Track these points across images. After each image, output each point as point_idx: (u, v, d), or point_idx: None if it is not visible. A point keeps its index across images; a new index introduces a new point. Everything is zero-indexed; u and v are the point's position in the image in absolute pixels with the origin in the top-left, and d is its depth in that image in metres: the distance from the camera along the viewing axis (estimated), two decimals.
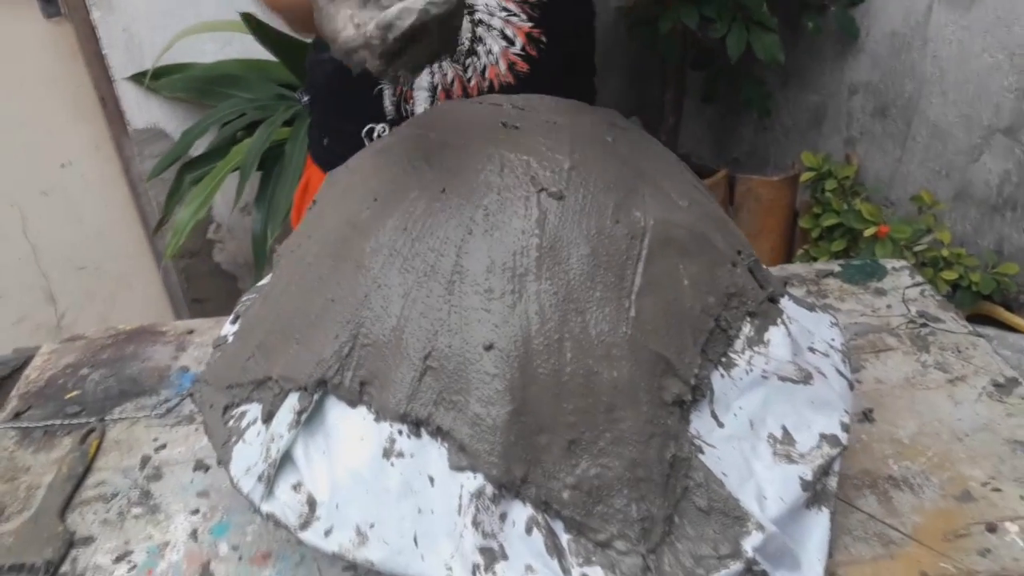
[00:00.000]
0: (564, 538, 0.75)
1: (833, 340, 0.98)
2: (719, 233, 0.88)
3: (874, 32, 2.58)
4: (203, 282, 2.73)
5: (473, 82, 1.24)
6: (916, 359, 1.16)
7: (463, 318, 0.76)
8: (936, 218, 2.40)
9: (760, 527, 0.76)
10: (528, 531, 0.74)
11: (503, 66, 1.23)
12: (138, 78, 2.33)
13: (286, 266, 0.93)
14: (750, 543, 0.75)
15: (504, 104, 0.90)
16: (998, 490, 0.95)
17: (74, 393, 1.23)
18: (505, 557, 0.74)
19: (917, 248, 2.26)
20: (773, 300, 0.93)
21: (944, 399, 1.08)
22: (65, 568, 0.94)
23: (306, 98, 1.56)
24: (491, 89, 1.24)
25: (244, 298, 1.08)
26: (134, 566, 0.94)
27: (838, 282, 1.34)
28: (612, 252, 0.78)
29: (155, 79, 2.28)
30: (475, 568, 0.73)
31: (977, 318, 2.37)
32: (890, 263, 1.38)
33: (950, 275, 2.28)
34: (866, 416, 1.06)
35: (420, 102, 1.25)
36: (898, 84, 2.56)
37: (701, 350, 0.81)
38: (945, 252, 2.30)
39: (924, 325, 1.22)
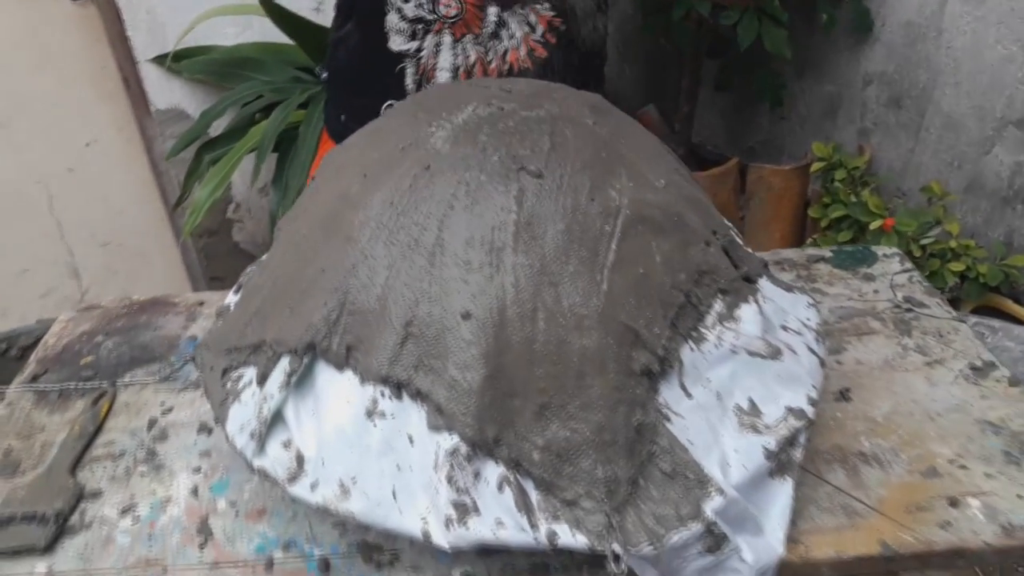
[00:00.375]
0: (534, 496, 0.79)
1: (808, 320, 1.01)
2: (695, 214, 0.92)
3: (890, 22, 2.58)
4: (222, 261, 2.80)
5: (494, 64, 1.28)
6: (897, 342, 1.19)
7: (443, 288, 0.81)
8: (946, 209, 2.40)
9: (721, 491, 0.80)
10: (500, 488, 0.79)
11: (523, 51, 1.27)
12: (161, 60, 2.39)
13: (283, 239, 0.98)
14: (710, 506, 0.80)
15: (491, 86, 0.94)
16: (964, 467, 0.98)
17: (88, 359, 1.29)
18: (477, 512, 0.79)
19: (924, 241, 2.27)
20: (749, 280, 0.97)
21: (921, 381, 1.12)
22: (74, 519, 1.00)
23: (325, 75, 1.59)
24: (510, 72, 1.28)
25: (248, 269, 1.13)
26: (138, 518, 1.00)
27: (828, 267, 1.37)
28: (587, 229, 0.83)
29: (176, 61, 2.33)
30: (448, 521, 0.78)
31: (985, 310, 2.38)
32: (882, 250, 1.40)
33: (957, 267, 2.28)
34: (843, 395, 1.10)
35: (442, 81, 1.30)
36: (912, 75, 2.56)
37: (671, 324, 0.85)
38: (953, 244, 2.31)
39: (909, 310, 1.25)
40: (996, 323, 2.26)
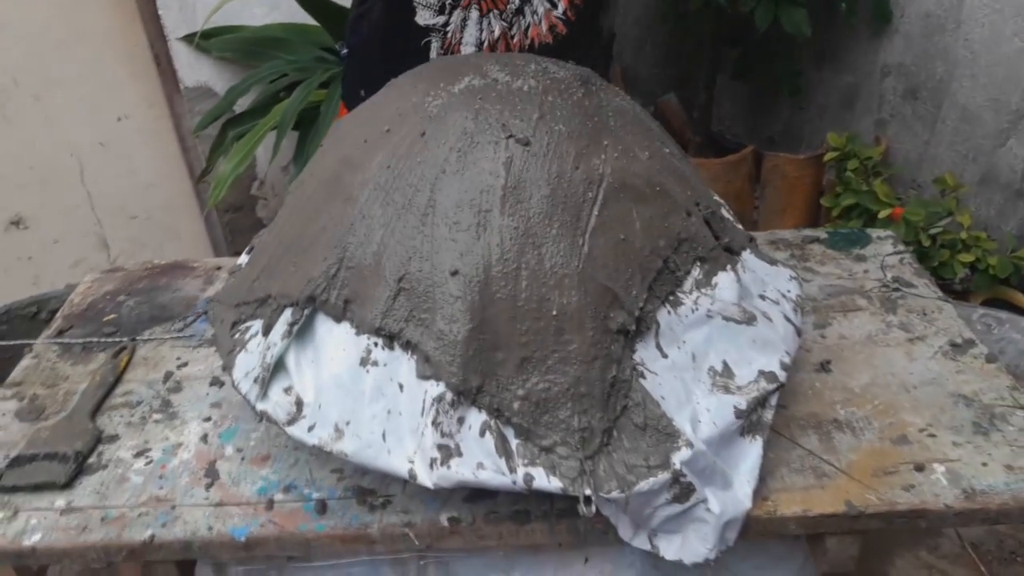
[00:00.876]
0: (513, 442, 0.85)
1: (788, 292, 1.06)
2: (678, 185, 0.96)
3: (908, 13, 2.59)
4: (246, 236, 2.88)
5: (516, 39, 1.33)
6: (882, 319, 1.23)
7: (433, 246, 0.87)
8: (959, 201, 2.42)
9: (690, 444, 0.86)
10: (481, 434, 0.85)
11: (544, 27, 1.33)
12: (190, 38, 2.46)
13: (290, 200, 1.04)
14: (679, 457, 0.85)
15: (488, 60, 0.99)
16: (933, 436, 1.02)
17: (111, 316, 1.37)
18: (460, 454, 0.84)
19: (933, 231, 2.29)
20: (731, 250, 1.01)
21: (901, 355, 1.16)
22: (92, 459, 1.08)
23: (345, 50, 1.60)
24: (531, 48, 1.34)
25: (260, 233, 1.20)
26: (150, 461, 1.07)
27: (822, 248, 1.41)
28: (570, 194, 0.88)
29: (205, 39, 2.41)
30: (433, 462, 0.84)
31: (994, 302, 2.39)
32: (876, 232, 1.44)
33: (967, 257, 2.30)
34: (823, 367, 1.14)
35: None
36: (930, 66, 2.57)
37: (648, 287, 0.90)
38: (963, 235, 2.32)
39: (896, 289, 1.29)
40: (1004, 314, 2.27)
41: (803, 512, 0.93)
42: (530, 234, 0.86)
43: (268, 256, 1.00)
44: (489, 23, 1.33)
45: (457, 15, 1.33)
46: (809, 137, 3.14)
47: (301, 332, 0.92)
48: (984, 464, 0.97)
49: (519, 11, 1.32)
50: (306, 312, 0.92)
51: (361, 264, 0.89)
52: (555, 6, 1.32)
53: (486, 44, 1.34)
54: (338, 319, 0.91)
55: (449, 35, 1.34)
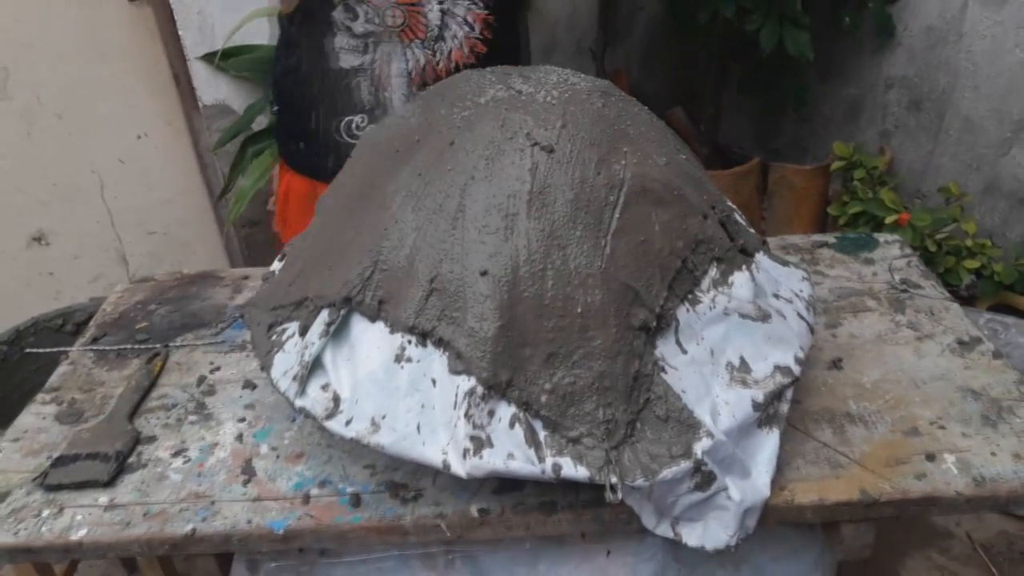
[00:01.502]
0: (541, 434, 0.89)
1: (801, 291, 1.10)
2: (694, 189, 1.01)
3: (911, 27, 2.64)
4: (262, 251, 2.93)
5: (441, 65, 1.41)
6: (891, 319, 1.27)
7: (464, 249, 0.91)
8: (963, 209, 2.46)
9: (710, 435, 0.90)
10: (511, 426, 0.89)
11: (466, 49, 1.40)
12: (209, 57, 2.52)
13: (323, 210, 1.09)
14: (700, 447, 0.89)
15: (511, 74, 1.04)
16: (943, 428, 1.06)
17: (143, 324, 1.42)
18: (491, 445, 0.89)
19: (939, 237, 2.33)
20: (746, 252, 1.06)
21: (910, 353, 1.20)
22: (131, 459, 1.12)
23: (276, 107, 1.63)
24: (456, 70, 1.40)
25: (291, 241, 1.25)
26: (188, 460, 1.11)
27: (831, 252, 1.45)
28: (593, 198, 0.92)
29: (224, 59, 2.47)
30: (465, 452, 0.88)
31: (999, 308, 2.43)
32: (883, 237, 1.48)
33: (972, 264, 2.34)
34: (835, 364, 1.18)
35: (397, 88, 1.41)
36: (932, 78, 2.62)
37: (668, 286, 0.94)
38: (969, 242, 2.37)
39: (904, 290, 1.33)
40: (1009, 320, 2.31)
41: (819, 500, 0.97)
42: (555, 236, 0.91)
43: (303, 261, 1.05)
44: (413, 52, 1.39)
45: (380, 51, 1.39)
46: (814, 149, 3.19)
47: (337, 332, 0.97)
48: (993, 453, 1.01)
49: (439, 38, 1.39)
50: (342, 313, 0.96)
51: (395, 266, 0.94)
52: (472, 28, 1.38)
53: (414, 73, 1.40)
54: (373, 319, 0.95)
55: (376, 71, 1.40)
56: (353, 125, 1.40)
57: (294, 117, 1.55)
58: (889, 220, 2.32)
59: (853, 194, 2.53)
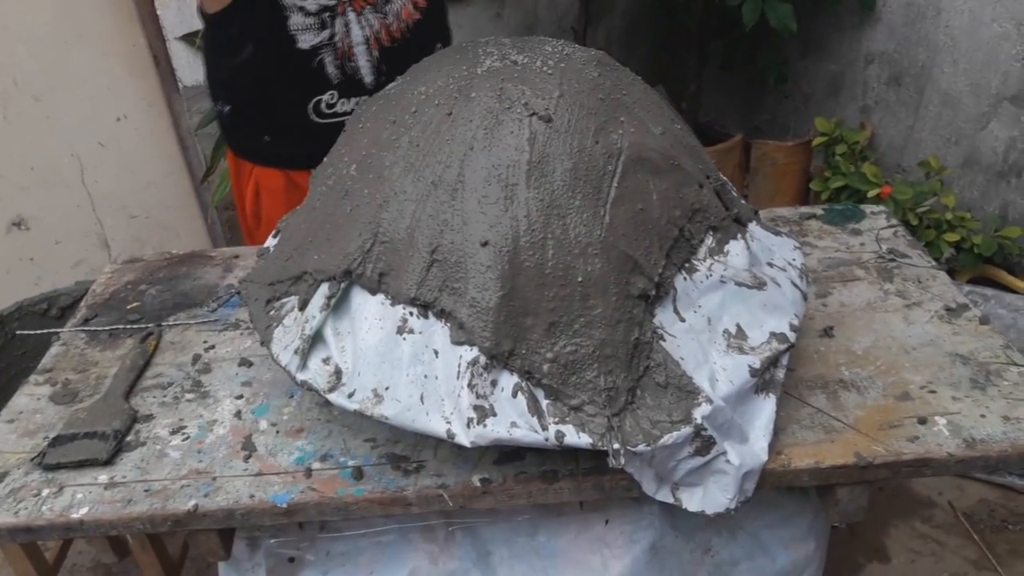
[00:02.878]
0: (544, 402, 0.90)
1: (794, 260, 1.11)
2: (690, 159, 1.02)
3: (891, 2, 2.66)
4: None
5: (395, 26, 1.42)
6: (880, 288, 1.29)
7: (464, 219, 0.91)
8: (943, 183, 2.49)
9: (709, 400, 0.91)
10: (514, 395, 0.90)
11: (411, 6, 1.43)
12: (189, 38, 2.50)
13: (318, 183, 1.08)
14: (699, 413, 0.90)
15: (505, 44, 1.04)
16: (934, 392, 1.08)
17: (134, 304, 1.41)
18: (494, 414, 0.89)
19: (920, 210, 2.36)
20: (740, 221, 1.07)
21: (899, 320, 1.22)
22: (130, 438, 1.12)
23: (228, 108, 1.54)
24: (407, 28, 1.43)
25: (284, 217, 1.24)
26: (187, 437, 1.11)
27: (819, 223, 1.47)
28: (591, 168, 0.93)
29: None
30: (469, 422, 0.89)
31: (979, 280, 2.47)
32: (870, 208, 1.50)
33: (952, 237, 2.37)
34: (826, 332, 1.20)
35: (360, 55, 1.42)
36: (912, 53, 2.65)
37: (666, 254, 0.95)
38: (949, 215, 2.40)
39: (892, 260, 1.35)
40: (989, 291, 2.35)
41: (815, 464, 0.99)
42: (555, 206, 0.91)
43: (301, 236, 1.05)
44: (368, 19, 1.40)
45: (339, 23, 1.39)
46: (795, 126, 3.21)
47: (338, 305, 0.97)
48: (982, 416, 1.03)
49: (387, 0, 1.40)
50: (342, 286, 0.96)
51: (395, 238, 0.94)
52: None
53: (372, 39, 1.41)
54: (373, 291, 0.95)
55: (339, 44, 1.39)
56: (323, 104, 1.38)
57: (255, 111, 1.50)
58: (871, 194, 2.35)
59: (835, 169, 2.55)
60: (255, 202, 1.59)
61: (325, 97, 1.42)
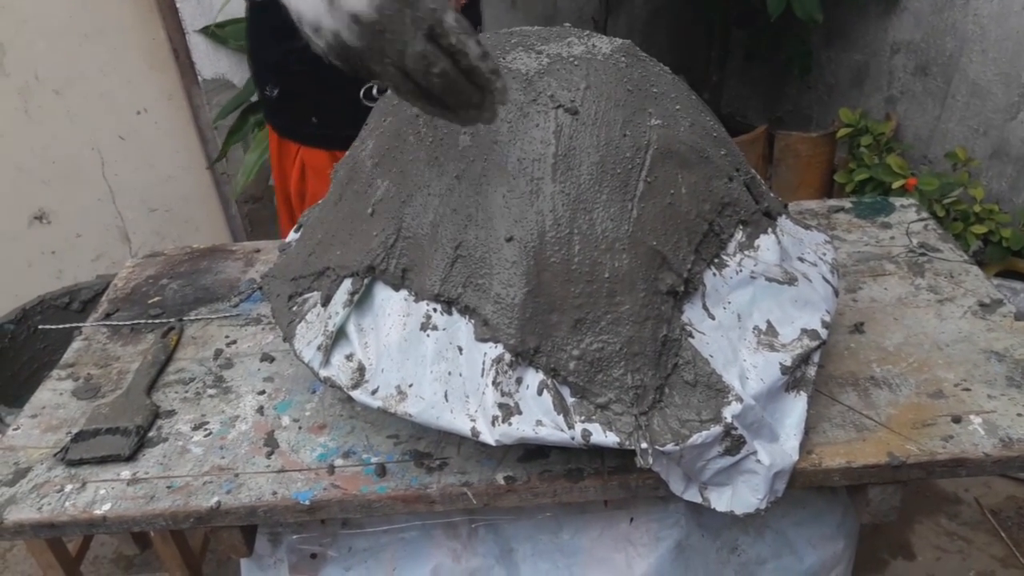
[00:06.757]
0: (570, 400, 0.89)
1: (824, 255, 1.09)
2: (719, 151, 1.00)
3: None
4: (265, 226, 2.91)
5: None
6: (911, 282, 1.26)
7: (488, 215, 0.90)
8: (970, 174, 2.45)
9: (739, 399, 0.89)
10: (539, 393, 0.88)
11: None
12: (208, 31, 2.50)
13: (341, 178, 1.07)
14: (729, 411, 0.88)
15: (531, 34, 1.03)
16: (968, 390, 1.06)
17: (156, 299, 1.40)
18: (519, 412, 0.88)
19: (946, 201, 2.32)
20: (769, 215, 1.05)
21: (932, 316, 1.19)
22: (152, 433, 1.11)
23: (276, 90, 1.57)
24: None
25: (306, 212, 1.23)
26: (210, 433, 1.10)
27: (848, 216, 1.44)
28: (619, 161, 0.91)
29: (220, 28, 2.44)
30: (494, 419, 0.88)
31: (1007, 273, 2.42)
32: (899, 201, 1.47)
33: (980, 229, 2.33)
34: (857, 328, 1.17)
35: None
36: (939, 42, 2.60)
37: (695, 250, 0.93)
38: (977, 208, 2.36)
39: (923, 254, 1.32)
40: (1017, 285, 2.31)
41: (847, 464, 0.97)
42: (581, 200, 0.89)
43: (323, 231, 1.04)
44: None
45: None
46: (818, 116, 3.17)
47: (361, 301, 0.96)
48: (1019, 414, 1.01)
49: None
50: (365, 282, 0.95)
51: (418, 234, 0.92)
52: None
53: None
54: (396, 287, 0.94)
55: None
56: (374, 89, 1.38)
57: (306, 94, 1.52)
58: (896, 185, 2.31)
59: (860, 161, 2.51)
60: (300, 182, 1.62)
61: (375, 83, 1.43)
